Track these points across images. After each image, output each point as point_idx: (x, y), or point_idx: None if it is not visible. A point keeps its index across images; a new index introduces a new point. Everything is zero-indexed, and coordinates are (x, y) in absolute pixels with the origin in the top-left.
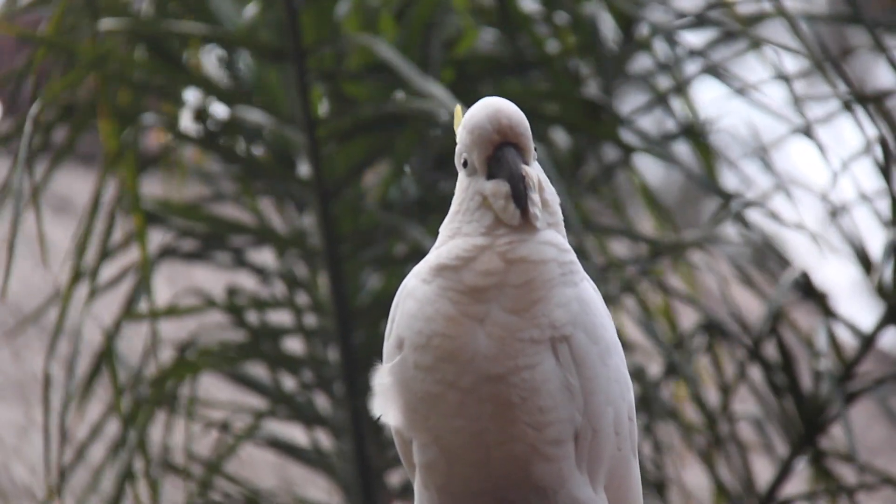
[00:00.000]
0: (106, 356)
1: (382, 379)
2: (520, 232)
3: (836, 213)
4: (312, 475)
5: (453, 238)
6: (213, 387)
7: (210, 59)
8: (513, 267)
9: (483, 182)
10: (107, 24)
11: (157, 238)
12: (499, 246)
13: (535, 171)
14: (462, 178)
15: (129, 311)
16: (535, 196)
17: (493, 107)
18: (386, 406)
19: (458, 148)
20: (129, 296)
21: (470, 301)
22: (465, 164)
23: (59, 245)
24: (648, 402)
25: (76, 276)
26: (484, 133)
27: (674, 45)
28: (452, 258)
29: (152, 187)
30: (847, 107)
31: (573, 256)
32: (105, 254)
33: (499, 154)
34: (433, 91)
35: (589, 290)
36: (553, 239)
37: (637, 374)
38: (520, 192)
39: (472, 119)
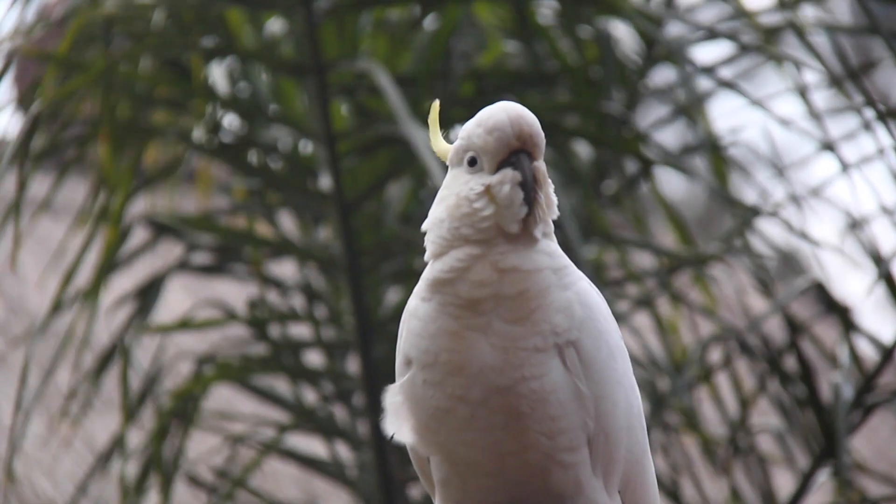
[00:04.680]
0: (121, 369)
1: (393, 397)
2: (515, 242)
3: (856, 225)
4: (335, 488)
5: (453, 244)
6: (234, 400)
7: (230, 73)
8: (505, 277)
9: (488, 176)
10: (125, 39)
11: (177, 250)
12: (492, 255)
13: (549, 188)
14: (460, 174)
15: (148, 324)
16: (541, 212)
17: (516, 112)
18: (398, 424)
19: (461, 143)
20: (146, 308)
21: (470, 314)
22: (470, 163)
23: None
24: (666, 415)
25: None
26: (504, 137)
27: (693, 59)
28: (447, 270)
29: (172, 200)
30: (866, 123)
31: (566, 262)
32: (113, 266)
33: (513, 160)
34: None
35: (591, 292)
36: (546, 248)
37: (652, 387)
38: (531, 201)
39: (492, 120)
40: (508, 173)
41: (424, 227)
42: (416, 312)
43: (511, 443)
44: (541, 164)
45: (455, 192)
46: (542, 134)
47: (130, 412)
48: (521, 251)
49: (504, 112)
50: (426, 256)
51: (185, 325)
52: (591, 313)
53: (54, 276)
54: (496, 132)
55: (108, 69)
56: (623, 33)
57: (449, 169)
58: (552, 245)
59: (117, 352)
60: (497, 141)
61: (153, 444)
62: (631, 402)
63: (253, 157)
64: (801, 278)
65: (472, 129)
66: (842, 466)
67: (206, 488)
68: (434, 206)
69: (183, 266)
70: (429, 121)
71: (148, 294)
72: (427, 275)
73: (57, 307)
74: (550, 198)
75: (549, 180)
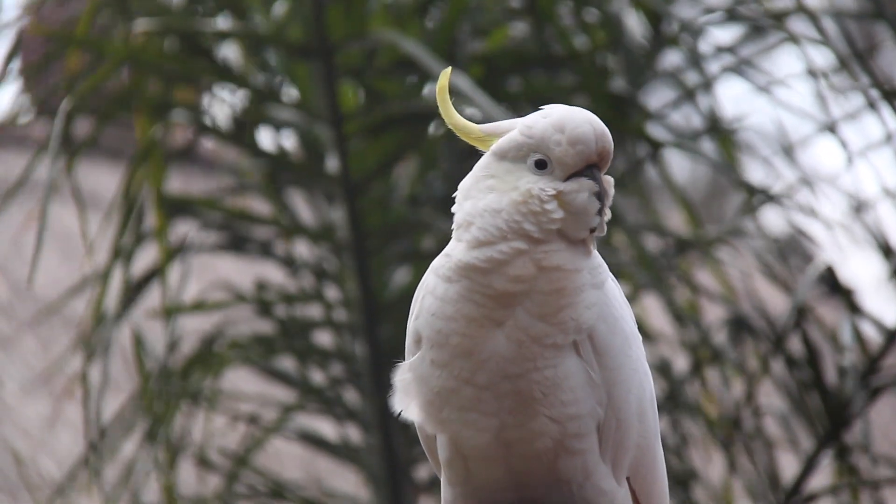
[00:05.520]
0: (135, 349)
1: (403, 375)
2: (569, 244)
3: (860, 208)
4: (340, 468)
5: (506, 235)
6: (238, 380)
7: (241, 54)
8: (544, 274)
9: (560, 182)
10: (138, 20)
11: (187, 230)
12: (536, 252)
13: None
14: (519, 169)
15: (157, 304)
16: (606, 217)
17: (601, 129)
18: (406, 402)
19: (527, 141)
20: (157, 289)
21: (496, 305)
22: (539, 164)
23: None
24: (674, 397)
25: (106, 269)
26: (587, 152)
27: (701, 41)
28: (485, 259)
29: (182, 180)
30: (872, 104)
31: (600, 259)
32: (131, 246)
33: (588, 174)
34: (458, 86)
35: (612, 285)
36: (580, 246)
37: (663, 369)
38: (602, 213)
39: (577, 131)
40: (586, 183)
41: (470, 212)
42: (435, 291)
43: (518, 428)
44: (609, 178)
45: (517, 187)
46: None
47: (139, 392)
48: (565, 251)
49: (590, 125)
50: (466, 237)
51: (195, 305)
52: (607, 300)
53: (55, 258)
54: (580, 146)
55: (135, 50)
56: (630, 18)
57: (494, 156)
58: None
59: (124, 332)
60: (579, 154)
61: (162, 424)
62: (644, 388)
63: (263, 138)
64: (812, 264)
65: (548, 133)
66: (846, 449)
67: (212, 468)
68: (479, 191)
69: (192, 246)
70: (437, 89)
71: (157, 275)
72: (458, 255)
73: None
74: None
75: None
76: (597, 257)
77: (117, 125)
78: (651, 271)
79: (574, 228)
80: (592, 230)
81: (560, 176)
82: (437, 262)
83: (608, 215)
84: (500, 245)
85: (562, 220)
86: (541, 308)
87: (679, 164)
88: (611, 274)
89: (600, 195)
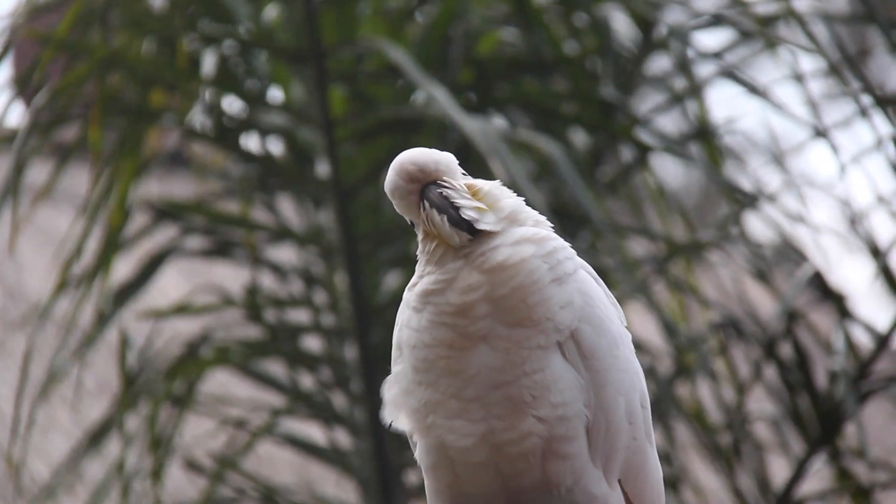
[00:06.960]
0: (119, 352)
1: (391, 388)
2: (488, 240)
3: (851, 213)
4: (331, 473)
5: (422, 277)
6: (230, 384)
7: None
8: (493, 276)
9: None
10: (125, 23)
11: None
12: (474, 260)
13: (458, 184)
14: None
15: (147, 307)
16: (467, 208)
17: (394, 172)
18: (395, 412)
19: None
20: (142, 290)
21: (466, 321)
22: (412, 224)
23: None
24: (662, 402)
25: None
26: (395, 197)
27: (690, 46)
28: (434, 282)
29: (171, 185)
30: (863, 109)
31: (557, 242)
32: (114, 250)
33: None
34: (438, 97)
35: (588, 280)
36: (526, 233)
37: (650, 373)
38: (454, 219)
39: (387, 187)
40: (431, 210)
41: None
42: (409, 323)
43: (507, 432)
44: (448, 182)
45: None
46: (434, 160)
47: (126, 395)
48: (502, 246)
49: (389, 177)
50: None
51: (182, 309)
52: (591, 301)
53: (51, 261)
54: (396, 194)
55: (109, 54)
56: (619, 22)
57: None
58: (532, 229)
59: (108, 334)
60: (399, 203)
61: (148, 427)
62: (633, 388)
63: (252, 142)
64: (802, 269)
65: None
66: (837, 454)
67: (202, 472)
68: None
69: (181, 250)
70: None
71: (145, 276)
72: (417, 286)
73: (59, 290)
74: (488, 191)
75: (465, 184)
76: (548, 241)
77: (113, 131)
78: (637, 275)
79: (450, 243)
80: (468, 224)
81: (416, 218)
82: (406, 296)
83: (463, 204)
84: (443, 268)
85: (441, 244)
86: (509, 314)
87: (670, 172)
88: (586, 266)
89: (433, 205)
